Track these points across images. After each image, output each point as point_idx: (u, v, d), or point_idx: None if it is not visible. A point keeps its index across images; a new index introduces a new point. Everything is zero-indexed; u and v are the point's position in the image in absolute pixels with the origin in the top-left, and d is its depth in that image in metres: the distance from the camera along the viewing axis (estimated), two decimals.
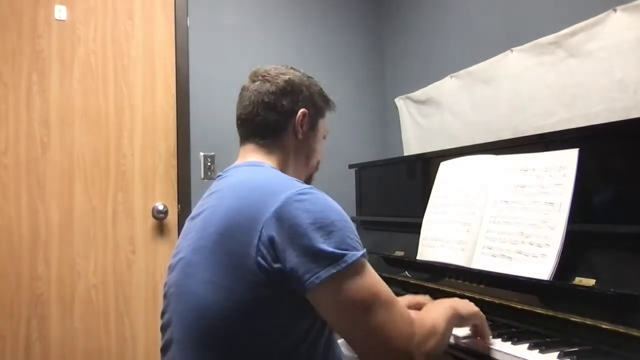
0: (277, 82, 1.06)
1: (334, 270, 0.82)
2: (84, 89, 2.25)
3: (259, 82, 1.07)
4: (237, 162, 1.07)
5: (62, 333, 2.15)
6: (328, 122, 1.18)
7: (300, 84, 1.09)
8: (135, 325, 2.27)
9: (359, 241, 0.89)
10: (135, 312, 2.27)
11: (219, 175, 1.06)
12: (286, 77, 1.07)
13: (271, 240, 0.84)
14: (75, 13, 2.25)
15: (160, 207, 2.32)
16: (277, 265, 0.83)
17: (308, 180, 1.14)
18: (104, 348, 2.21)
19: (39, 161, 2.17)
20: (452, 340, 1.14)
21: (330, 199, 0.91)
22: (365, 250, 0.88)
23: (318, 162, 1.17)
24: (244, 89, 1.11)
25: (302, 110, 1.07)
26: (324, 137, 1.17)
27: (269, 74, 1.08)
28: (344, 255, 0.83)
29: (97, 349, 2.20)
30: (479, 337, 1.09)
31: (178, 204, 2.36)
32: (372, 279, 0.87)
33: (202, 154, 2.44)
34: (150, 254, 2.31)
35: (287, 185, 0.90)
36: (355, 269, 0.84)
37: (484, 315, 1.08)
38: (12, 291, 2.10)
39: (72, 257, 2.19)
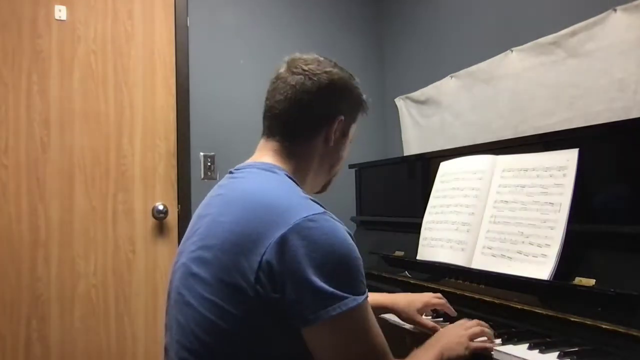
0: (320, 82, 0.97)
1: (333, 313, 0.78)
2: (84, 89, 2.25)
3: (298, 77, 0.97)
4: (253, 160, 1.00)
5: (62, 333, 2.15)
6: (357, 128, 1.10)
7: (344, 87, 1.00)
8: (135, 325, 2.27)
9: (364, 281, 0.84)
10: (135, 312, 2.27)
11: (230, 172, 1.00)
12: (330, 77, 0.98)
13: (271, 269, 0.79)
14: (75, 13, 2.25)
15: (160, 207, 2.32)
16: (275, 295, 0.80)
17: (328, 185, 1.09)
18: (104, 348, 2.22)
19: (39, 161, 2.17)
20: None
21: (341, 229, 0.84)
22: (367, 292, 0.84)
23: (339, 170, 1.10)
24: (279, 78, 1.00)
25: (339, 117, 0.99)
26: (350, 142, 1.09)
27: (311, 70, 0.97)
28: (344, 298, 0.79)
29: (97, 349, 2.20)
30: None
31: (178, 204, 2.36)
32: (370, 326, 0.84)
33: (202, 154, 2.44)
34: (150, 254, 2.31)
35: (299, 207, 0.83)
36: (354, 314, 0.81)
37: (473, 344, 1.02)
38: (12, 291, 2.10)
39: (72, 257, 2.19)
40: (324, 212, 0.85)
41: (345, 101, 1.02)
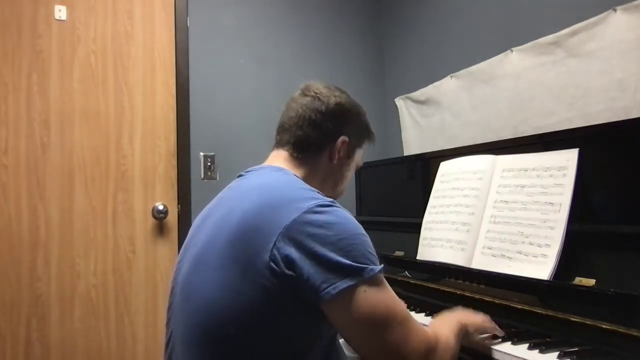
0: (329, 103, 1.07)
1: (351, 283, 0.82)
2: (84, 89, 2.25)
3: (309, 98, 1.07)
4: (264, 164, 1.07)
5: (62, 333, 2.15)
6: (363, 155, 1.18)
7: (350, 111, 1.10)
8: (135, 325, 2.27)
9: (376, 256, 0.88)
10: (135, 312, 2.27)
11: (241, 175, 1.05)
12: (338, 100, 1.08)
13: (287, 249, 0.83)
14: (75, 13, 2.25)
15: (160, 207, 2.32)
16: (289, 272, 0.82)
17: None
18: (104, 348, 2.22)
19: (39, 161, 2.17)
20: None
21: (348, 214, 0.90)
22: (382, 265, 0.87)
23: (343, 190, 1.16)
24: (292, 100, 1.10)
25: (343, 137, 1.07)
26: (356, 168, 1.17)
27: (322, 93, 1.08)
28: (362, 269, 0.83)
29: (97, 349, 2.20)
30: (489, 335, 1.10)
31: (178, 204, 2.36)
32: (389, 294, 0.87)
33: (202, 154, 2.44)
34: (150, 254, 2.32)
35: (309, 196, 0.89)
36: (373, 283, 0.84)
37: (486, 323, 1.10)
38: (12, 291, 2.10)
39: (72, 257, 2.19)
40: (332, 201, 0.91)
41: (351, 124, 1.10)
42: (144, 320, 2.28)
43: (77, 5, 2.25)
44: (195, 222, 1.04)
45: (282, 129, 1.09)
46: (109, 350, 2.22)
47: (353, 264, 0.83)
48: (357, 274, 0.82)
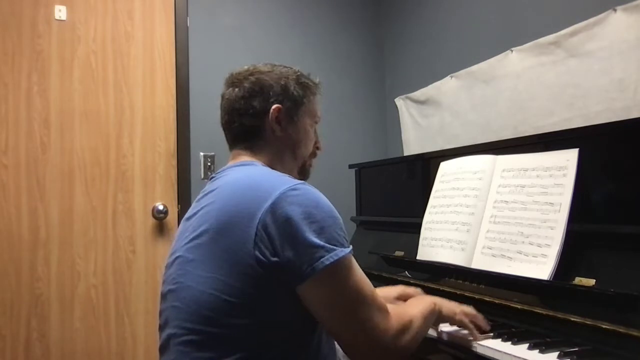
0: (245, 86, 1.06)
1: (327, 262, 0.85)
2: (84, 89, 2.25)
3: (230, 89, 1.08)
4: (229, 164, 1.08)
5: (62, 333, 2.15)
6: (316, 106, 1.14)
7: (269, 80, 1.06)
8: (135, 325, 2.27)
9: (347, 237, 0.93)
10: (135, 312, 2.27)
11: (212, 177, 1.07)
12: (253, 78, 1.06)
13: (268, 234, 0.86)
14: (75, 13, 2.25)
15: (160, 207, 2.32)
16: (274, 259, 0.85)
17: (302, 171, 1.14)
18: (104, 348, 2.22)
19: (39, 161, 2.17)
20: (449, 338, 1.15)
21: (321, 194, 0.93)
22: (351, 247, 0.91)
23: (313, 151, 1.15)
24: (222, 97, 1.11)
25: (274, 106, 1.05)
26: (316, 122, 1.14)
27: (237, 79, 1.08)
28: (333, 249, 0.87)
29: (97, 349, 2.20)
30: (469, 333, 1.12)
31: (178, 204, 2.36)
32: (358, 274, 0.91)
33: (202, 154, 2.44)
34: (150, 254, 2.32)
35: (281, 182, 0.92)
36: (344, 263, 0.88)
37: (468, 315, 1.13)
38: (12, 291, 2.10)
39: (72, 257, 2.19)
40: (304, 182, 0.94)
41: (275, 91, 1.06)
42: (144, 320, 2.28)
43: (77, 5, 2.25)
44: (178, 229, 1.06)
45: (225, 131, 1.11)
46: (109, 350, 2.22)
47: (326, 245, 0.86)
48: (331, 254, 0.86)
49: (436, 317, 1.08)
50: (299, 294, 0.88)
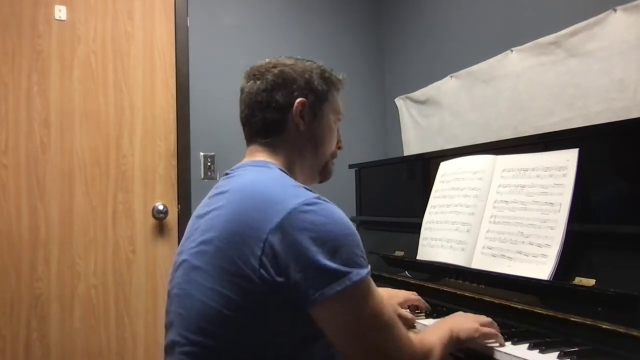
0: (267, 78, 1.01)
1: (338, 288, 0.80)
2: (84, 89, 2.25)
3: (251, 82, 1.04)
4: (244, 161, 1.04)
5: (62, 333, 2.15)
6: (339, 103, 1.09)
7: (292, 73, 1.02)
8: (135, 325, 2.27)
9: (365, 257, 0.86)
10: (135, 312, 2.27)
11: (226, 173, 1.03)
12: (276, 70, 1.02)
13: (275, 254, 0.81)
14: (75, 13, 2.25)
15: (160, 207, 2.32)
16: (280, 279, 0.81)
17: (324, 171, 1.10)
18: (104, 348, 2.22)
19: (39, 161, 2.17)
20: None
21: (337, 210, 0.87)
22: (369, 267, 0.85)
23: (335, 150, 1.10)
24: (241, 90, 1.07)
25: (298, 100, 1.01)
26: (339, 119, 1.10)
27: (259, 71, 1.03)
28: (348, 273, 0.81)
29: (97, 349, 2.20)
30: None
31: (178, 204, 2.36)
32: (375, 298, 0.85)
33: (202, 154, 2.44)
34: (150, 254, 2.32)
35: (293, 194, 0.86)
36: (359, 288, 0.82)
37: (485, 324, 1.07)
38: (12, 291, 2.10)
39: (72, 257, 2.19)
40: (318, 196, 0.87)
41: (299, 84, 1.02)
42: (144, 320, 2.28)
43: (77, 5, 2.25)
44: (188, 225, 1.02)
45: (243, 125, 1.06)
46: (109, 350, 2.22)
47: (339, 268, 0.80)
48: (344, 279, 0.80)
49: (455, 342, 1.01)
50: (311, 315, 0.83)
